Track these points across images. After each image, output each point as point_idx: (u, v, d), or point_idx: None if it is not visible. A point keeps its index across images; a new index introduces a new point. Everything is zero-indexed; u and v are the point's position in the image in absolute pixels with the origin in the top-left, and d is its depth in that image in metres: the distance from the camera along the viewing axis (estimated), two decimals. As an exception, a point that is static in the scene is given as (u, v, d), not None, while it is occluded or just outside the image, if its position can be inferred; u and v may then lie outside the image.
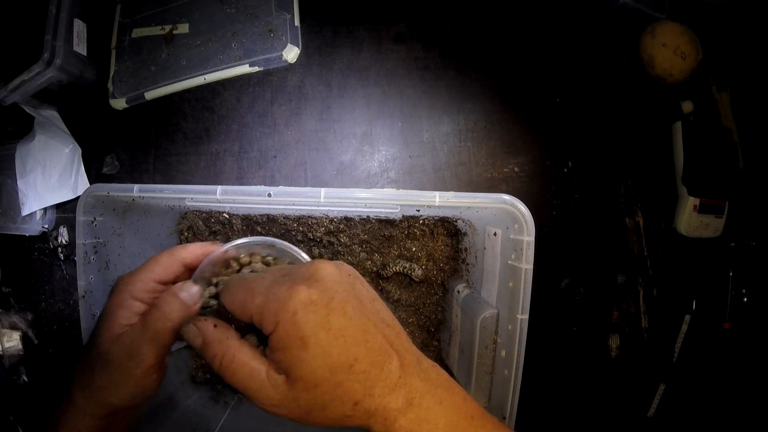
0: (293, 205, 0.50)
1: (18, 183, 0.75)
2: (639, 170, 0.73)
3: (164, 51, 0.73)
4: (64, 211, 0.76)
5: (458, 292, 0.57)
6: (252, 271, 0.37)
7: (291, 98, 0.73)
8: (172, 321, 0.31)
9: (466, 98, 0.72)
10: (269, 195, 0.47)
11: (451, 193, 0.45)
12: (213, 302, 0.35)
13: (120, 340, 0.32)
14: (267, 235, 0.63)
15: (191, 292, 0.32)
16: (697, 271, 0.72)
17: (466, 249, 0.60)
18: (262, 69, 0.71)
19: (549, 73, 0.72)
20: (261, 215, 0.62)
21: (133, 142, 0.75)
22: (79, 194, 0.73)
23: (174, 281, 0.35)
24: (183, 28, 0.73)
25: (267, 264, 0.38)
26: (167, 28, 0.73)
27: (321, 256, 0.63)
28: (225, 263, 0.37)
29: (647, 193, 0.73)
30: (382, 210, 0.57)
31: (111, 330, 0.32)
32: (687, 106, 0.73)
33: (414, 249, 0.62)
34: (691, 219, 0.70)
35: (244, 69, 0.71)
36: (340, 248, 0.61)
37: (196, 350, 0.32)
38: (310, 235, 0.61)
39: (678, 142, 0.72)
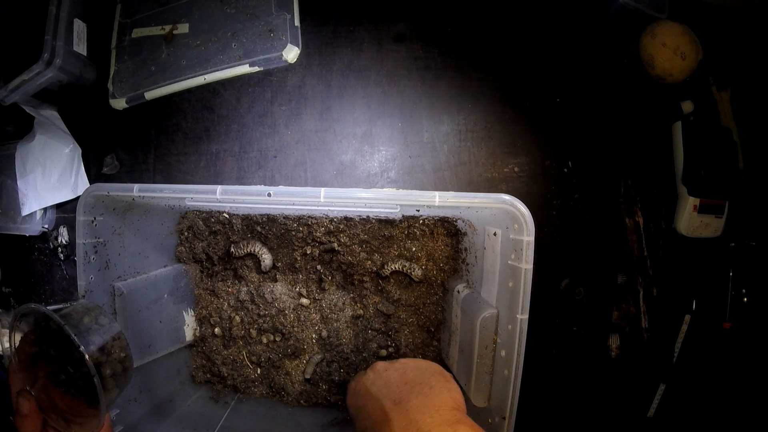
0: (293, 204, 0.50)
1: (18, 183, 0.75)
2: (639, 170, 0.73)
3: (164, 51, 0.73)
4: (64, 211, 0.76)
5: (458, 292, 0.57)
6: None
7: (291, 98, 0.73)
8: None
9: (466, 98, 0.72)
10: (269, 195, 0.47)
11: (451, 193, 0.45)
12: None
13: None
14: (267, 234, 0.63)
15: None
16: (697, 271, 0.72)
17: (466, 249, 0.60)
18: (262, 69, 0.71)
19: (549, 73, 0.72)
20: (261, 215, 0.62)
21: (133, 142, 0.75)
22: (79, 194, 0.73)
23: None
24: (183, 28, 0.73)
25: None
26: (167, 28, 0.73)
27: (321, 256, 0.63)
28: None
29: (647, 193, 0.73)
30: (382, 210, 0.57)
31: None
32: (687, 106, 0.73)
33: (414, 249, 0.62)
34: (691, 219, 0.70)
35: (244, 69, 0.71)
36: (339, 248, 0.61)
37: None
38: (310, 235, 0.62)
39: (678, 142, 0.72)
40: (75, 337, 0.38)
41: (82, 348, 0.38)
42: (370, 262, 0.62)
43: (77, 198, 0.68)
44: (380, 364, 0.45)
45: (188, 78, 0.71)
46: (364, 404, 0.42)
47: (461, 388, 0.43)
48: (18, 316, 0.41)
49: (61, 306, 0.42)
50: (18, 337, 0.42)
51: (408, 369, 0.43)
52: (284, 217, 0.61)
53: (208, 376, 0.67)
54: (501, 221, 0.47)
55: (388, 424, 0.36)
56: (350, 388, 0.46)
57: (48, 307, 0.40)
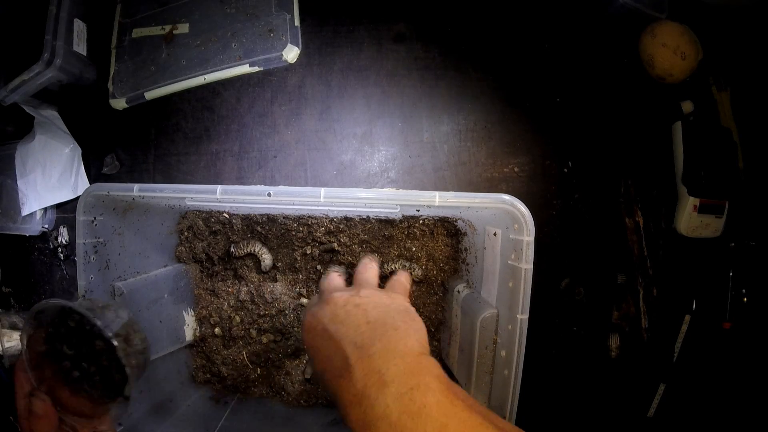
0: (293, 204, 0.50)
1: (18, 183, 0.75)
2: (639, 170, 0.73)
3: (164, 51, 0.73)
4: (64, 211, 0.76)
5: (458, 292, 0.57)
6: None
7: (291, 98, 0.73)
8: None
9: (466, 98, 0.72)
10: (269, 194, 0.47)
11: (451, 193, 0.45)
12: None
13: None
14: (267, 234, 0.63)
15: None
16: (697, 271, 0.72)
17: (466, 249, 0.60)
18: (262, 69, 0.71)
19: (549, 73, 0.72)
20: (261, 215, 0.62)
21: (133, 142, 0.75)
22: (79, 194, 0.73)
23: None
24: (183, 28, 0.73)
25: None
26: (167, 28, 0.73)
27: (321, 256, 0.63)
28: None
29: (647, 193, 0.73)
30: (382, 210, 0.57)
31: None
32: (687, 106, 0.73)
33: (414, 249, 0.62)
34: (691, 219, 0.70)
35: (244, 69, 0.71)
36: (339, 248, 0.61)
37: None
38: (310, 235, 0.62)
39: (678, 142, 0.72)
40: (105, 329, 0.39)
41: (112, 338, 0.39)
42: (370, 262, 0.62)
43: (77, 198, 0.68)
44: (338, 297, 0.39)
45: (188, 78, 0.71)
46: (322, 345, 0.37)
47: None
48: (35, 313, 0.41)
49: (77, 302, 0.42)
50: (28, 336, 0.42)
51: (370, 305, 0.38)
52: (284, 217, 0.61)
53: (208, 376, 0.67)
54: (501, 221, 0.47)
55: (349, 371, 0.33)
56: (305, 323, 0.40)
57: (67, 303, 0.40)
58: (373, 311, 0.37)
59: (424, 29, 0.72)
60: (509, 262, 0.45)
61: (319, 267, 0.64)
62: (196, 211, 0.64)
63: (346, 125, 0.72)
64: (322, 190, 0.47)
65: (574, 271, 0.71)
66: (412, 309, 0.40)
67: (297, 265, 0.64)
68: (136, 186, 0.48)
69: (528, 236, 0.43)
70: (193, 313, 0.66)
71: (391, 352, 0.33)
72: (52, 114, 0.74)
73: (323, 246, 0.62)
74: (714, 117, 0.75)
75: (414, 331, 0.36)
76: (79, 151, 0.75)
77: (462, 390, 0.32)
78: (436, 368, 0.32)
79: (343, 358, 0.34)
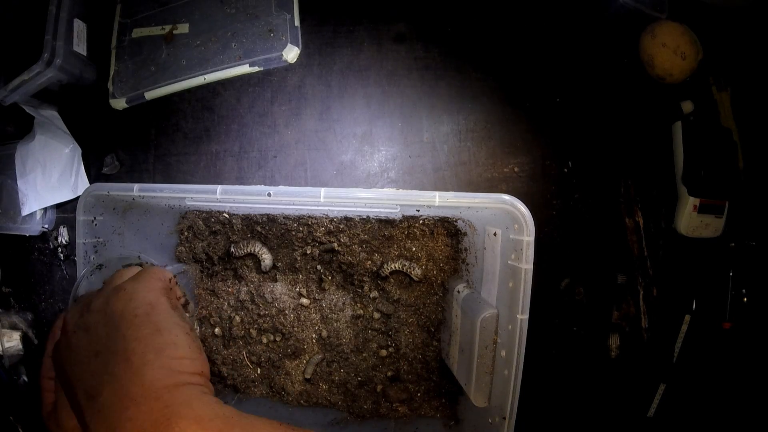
0: (293, 204, 0.50)
1: (18, 183, 0.75)
2: (639, 170, 0.73)
3: (164, 51, 0.73)
4: (64, 211, 0.76)
5: (458, 292, 0.57)
6: None
7: (291, 98, 0.73)
8: None
9: (466, 98, 0.72)
10: (269, 194, 0.47)
11: (451, 193, 0.45)
12: None
13: (50, 417, 0.31)
14: (267, 234, 0.63)
15: None
16: (697, 271, 0.72)
17: (466, 249, 0.60)
18: (262, 69, 0.71)
19: (549, 73, 0.72)
20: (261, 215, 0.62)
21: (133, 142, 0.75)
22: (79, 194, 0.73)
23: None
24: (183, 28, 0.73)
25: None
26: (167, 28, 0.73)
27: (321, 256, 0.63)
28: None
29: (647, 193, 0.73)
30: (382, 210, 0.57)
31: (43, 410, 0.33)
32: (687, 106, 0.73)
33: (414, 249, 0.62)
34: (691, 219, 0.70)
35: (244, 69, 0.71)
36: (339, 248, 0.61)
37: None
38: (310, 235, 0.62)
39: (678, 142, 0.72)
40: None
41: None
42: (370, 262, 0.62)
43: (77, 198, 0.68)
44: (69, 317, 0.30)
45: (188, 78, 0.71)
46: (63, 389, 0.29)
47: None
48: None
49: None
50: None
51: (101, 323, 0.27)
52: (284, 217, 0.61)
53: (208, 376, 0.67)
54: (501, 221, 0.47)
55: None
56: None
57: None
58: (102, 332, 0.27)
59: (424, 29, 0.72)
60: (509, 262, 0.45)
61: (319, 267, 0.64)
62: (196, 211, 0.64)
63: (346, 125, 0.72)
64: (322, 190, 0.47)
65: (574, 271, 0.71)
66: (162, 303, 0.29)
67: (297, 265, 0.64)
68: (136, 186, 0.48)
69: (528, 236, 0.43)
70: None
71: (122, 398, 0.24)
72: (52, 114, 0.74)
73: (323, 246, 0.62)
74: (714, 117, 0.75)
75: (155, 352, 0.26)
76: (79, 151, 0.75)
77: (237, 417, 0.23)
78: (189, 407, 0.24)
79: (81, 415, 0.26)
